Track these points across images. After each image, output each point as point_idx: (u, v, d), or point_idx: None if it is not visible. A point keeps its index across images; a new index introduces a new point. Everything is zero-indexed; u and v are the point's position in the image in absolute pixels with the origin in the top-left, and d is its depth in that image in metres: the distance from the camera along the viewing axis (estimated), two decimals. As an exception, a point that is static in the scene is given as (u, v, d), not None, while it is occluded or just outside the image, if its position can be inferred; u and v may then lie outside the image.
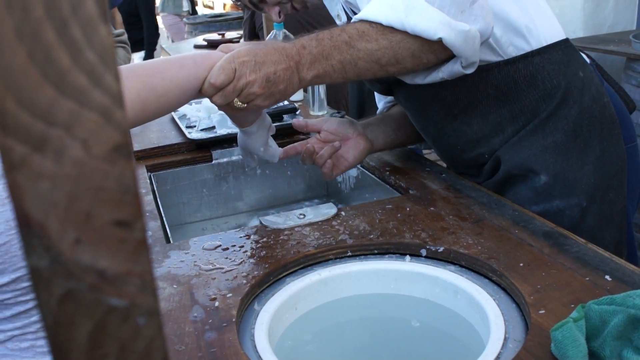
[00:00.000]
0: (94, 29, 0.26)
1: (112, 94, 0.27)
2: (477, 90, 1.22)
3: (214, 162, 1.65)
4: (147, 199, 1.36)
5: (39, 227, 0.27)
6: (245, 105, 1.06)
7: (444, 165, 1.48)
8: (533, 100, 1.20)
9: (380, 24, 1.05)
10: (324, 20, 3.16)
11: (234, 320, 0.89)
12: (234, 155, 1.66)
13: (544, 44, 1.20)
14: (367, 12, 1.08)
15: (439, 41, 1.04)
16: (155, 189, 1.52)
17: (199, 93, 1.06)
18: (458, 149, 1.32)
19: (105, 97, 0.27)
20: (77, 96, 0.26)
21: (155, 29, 6.12)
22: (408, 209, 1.21)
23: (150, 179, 1.54)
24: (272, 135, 1.30)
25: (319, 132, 1.36)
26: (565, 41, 1.23)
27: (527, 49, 1.19)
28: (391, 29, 1.05)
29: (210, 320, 0.89)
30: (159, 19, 6.92)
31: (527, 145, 1.22)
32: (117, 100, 0.27)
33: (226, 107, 1.10)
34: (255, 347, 0.86)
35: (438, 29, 1.03)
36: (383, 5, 1.06)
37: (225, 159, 1.66)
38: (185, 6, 6.92)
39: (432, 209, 1.20)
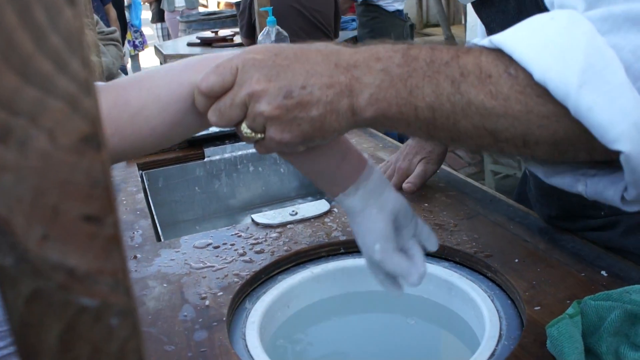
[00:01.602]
0: (58, 11, 0.24)
1: (79, 81, 0.25)
2: None
3: (206, 159, 1.64)
4: (138, 197, 1.35)
5: (3, 223, 0.25)
6: (261, 136, 0.69)
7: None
8: None
9: (529, 75, 0.61)
10: (321, 4, 3.12)
11: (224, 319, 0.87)
12: (227, 152, 1.65)
13: None
14: (516, 43, 0.63)
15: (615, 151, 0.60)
16: (146, 187, 1.50)
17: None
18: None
19: (71, 85, 0.25)
20: (41, 83, 0.25)
21: (123, 28, 6.02)
22: (402, 205, 1.19)
23: (141, 177, 1.53)
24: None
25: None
26: None
27: None
28: (540, 90, 0.61)
29: (201, 320, 0.87)
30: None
31: None
32: (85, 88, 0.25)
33: (255, 147, 0.72)
34: (246, 346, 0.84)
35: (625, 133, 0.58)
36: (549, 44, 0.61)
37: (217, 157, 1.64)
38: (179, 2, 6.90)
39: (426, 204, 1.18)
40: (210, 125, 0.72)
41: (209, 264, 1.02)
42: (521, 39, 0.63)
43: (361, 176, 0.76)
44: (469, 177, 1.36)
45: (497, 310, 0.88)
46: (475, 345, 0.83)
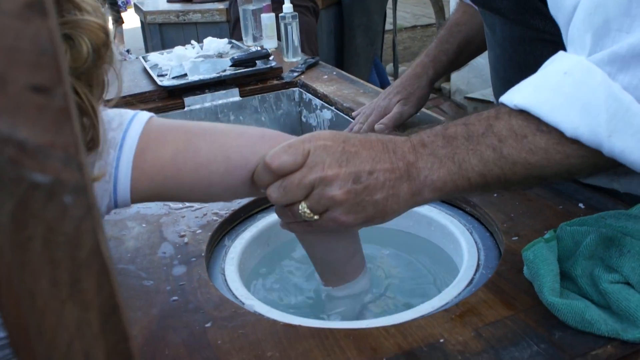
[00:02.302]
0: None
1: (20, -57, 0.24)
2: None
3: (186, 109, 1.62)
4: (117, 145, 1.33)
5: (-53, 93, 0.24)
6: (317, 217, 0.71)
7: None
8: None
9: (560, 134, 0.69)
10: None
11: (203, 255, 0.87)
12: (207, 101, 1.63)
13: None
14: (540, 105, 0.70)
15: None
16: (126, 136, 1.48)
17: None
18: None
19: (13, -54, 0.24)
20: (-19, -56, 0.24)
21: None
22: (382, 146, 1.19)
23: (120, 126, 1.51)
24: None
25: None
26: None
27: None
28: (573, 140, 0.68)
29: (179, 256, 0.87)
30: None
31: None
32: (27, -50, 0.24)
33: (294, 224, 0.75)
34: (225, 280, 0.84)
35: None
36: (571, 101, 0.68)
37: (197, 106, 1.63)
38: None
39: (406, 145, 1.18)
40: (252, 197, 0.75)
41: (187, 204, 1.02)
42: (544, 101, 0.69)
43: (357, 279, 0.85)
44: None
45: (476, 242, 0.89)
46: (456, 274, 0.84)
